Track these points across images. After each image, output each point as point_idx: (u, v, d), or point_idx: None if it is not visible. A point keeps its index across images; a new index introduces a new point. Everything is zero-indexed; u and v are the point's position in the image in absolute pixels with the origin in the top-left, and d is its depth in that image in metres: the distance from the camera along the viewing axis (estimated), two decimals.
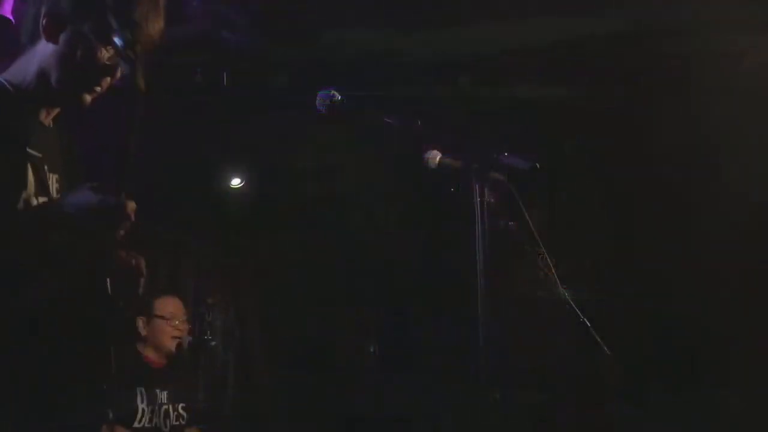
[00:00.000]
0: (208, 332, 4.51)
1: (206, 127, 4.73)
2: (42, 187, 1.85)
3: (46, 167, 1.88)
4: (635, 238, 4.55)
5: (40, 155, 1.87)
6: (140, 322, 3.78)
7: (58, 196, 1.89)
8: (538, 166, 2.24)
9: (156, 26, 1.86)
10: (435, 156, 2.38)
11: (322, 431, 5.48)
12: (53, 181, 1.90)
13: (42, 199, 1.84)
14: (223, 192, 5.45)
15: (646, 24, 4.08)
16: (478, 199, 2.25)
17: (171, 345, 3.85)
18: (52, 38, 1.84)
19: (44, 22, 1.84)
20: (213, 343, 4.22)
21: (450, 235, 3.87)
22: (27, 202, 1.81)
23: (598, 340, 2.40)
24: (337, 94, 2.33)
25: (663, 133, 4.27)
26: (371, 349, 5.42)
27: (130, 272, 1.86)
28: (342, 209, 5.52)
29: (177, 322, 3.89)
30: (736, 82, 4.02)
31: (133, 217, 1.76)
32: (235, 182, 5.37)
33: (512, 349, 2.87)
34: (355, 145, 4.75)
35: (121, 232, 1.76)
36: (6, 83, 1.89)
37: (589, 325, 2.40)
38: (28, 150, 1.84)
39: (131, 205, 1.74)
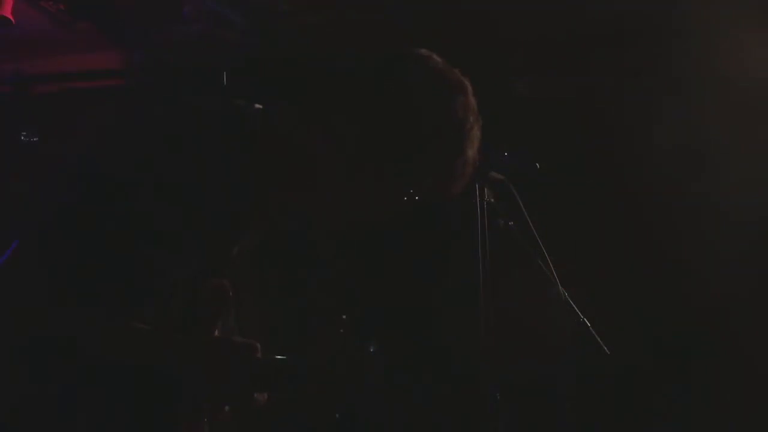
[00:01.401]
0: None
1: None
2: None
3: None
4: (634, 238, 4.54)
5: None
6: None
7: None
8: (538, 166, 2.24)
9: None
10: None
11: (322, 431, 5.47)
12: None
13: None
14: None
15: (647, 23, 4.08)
16: (478, 199, 2.24)
17: None
18: None
19: None
20: None
21: (450, 235, 3.86)
22: None
23: (598, 340, 2.40)
24: None
25: (663, 133, 4.26)
26: (371, 349, 5.41)
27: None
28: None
29: None
30: (736, 83, 4.01)
31: None
32: None
33: (512, 350, 2.86)
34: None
35: None
36: None
37: (589, 325, 2.39)
38: None
39: None
